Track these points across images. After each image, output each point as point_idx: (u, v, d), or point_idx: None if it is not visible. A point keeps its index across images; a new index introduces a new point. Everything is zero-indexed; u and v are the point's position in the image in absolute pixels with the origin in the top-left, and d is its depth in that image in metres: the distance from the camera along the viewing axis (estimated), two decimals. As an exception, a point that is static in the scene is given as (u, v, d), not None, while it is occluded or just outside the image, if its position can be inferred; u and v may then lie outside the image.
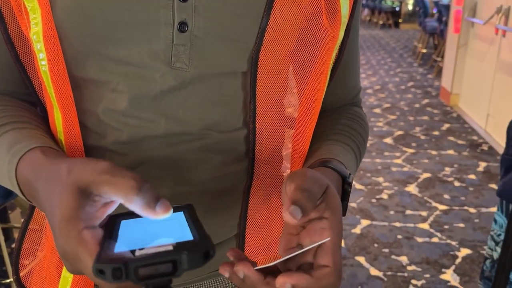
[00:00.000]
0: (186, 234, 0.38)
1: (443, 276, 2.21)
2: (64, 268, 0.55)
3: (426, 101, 5.25)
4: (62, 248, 0.38)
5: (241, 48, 0.50)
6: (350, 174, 0.51)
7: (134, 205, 0.38)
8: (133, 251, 0.35)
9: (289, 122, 0.59)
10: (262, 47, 0.50)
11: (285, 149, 0.61)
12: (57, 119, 0.51)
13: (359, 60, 0.66)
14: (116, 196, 0.38)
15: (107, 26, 0.47)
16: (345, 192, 0.50)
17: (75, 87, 0.51)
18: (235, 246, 0.60)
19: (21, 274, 0.63)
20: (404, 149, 3.83)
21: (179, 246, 0.35)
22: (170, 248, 0.35)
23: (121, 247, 0.36)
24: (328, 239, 0.39)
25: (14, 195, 1.87)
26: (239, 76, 0.52)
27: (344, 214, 0.46)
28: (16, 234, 2.52)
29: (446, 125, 4.40)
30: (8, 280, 1.88)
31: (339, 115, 0.63)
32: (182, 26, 0.48)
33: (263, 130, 0.56)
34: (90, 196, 0.38)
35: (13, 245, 2.41)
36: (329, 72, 0.56)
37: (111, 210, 0.41)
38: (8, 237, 2.45)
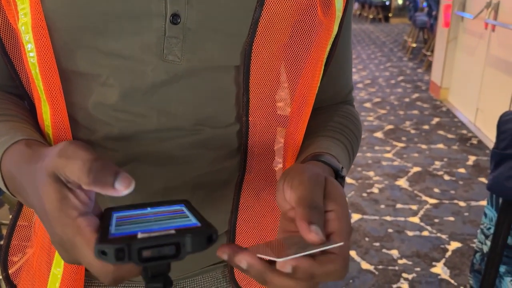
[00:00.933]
0: (187, 221, 0.38)
1: (433, 270, 2.23)
2: (54, 264, 0.54)
3: (416, 95, 5.28)
4: (59, 237, 0.37)
5: (234, 41, 0.49)
6: (342, 167, 0.50)
7: (93, 188, 0.36)
8: (135, 234, 0.34)
9: (282, 117, 0.59)
10: (255, 39, 0.49)
11: (277, 143, 0.61)
12: (45, 112, 0.50)
13: (351, 58, 0.65)
14: (75, 181, 0.36)
15: (97, 17, 0.46)
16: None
17: (64, 80, 0.50)
18: (225, 242, 0.60)
19: (10, 272, 0.62)
20: (395, 143, 3.85)
21: (182, 230, 0.35)
22: (173, 231, 0.35)
23: (122, 231, 0.36)
24: (341, 244, 0.38)
25: (1, 192, 1.84)
26: (232, 70, 0.52)
27: None
28: (4, 231, 2.49)
29: (436, 119, 4.43)
30: (-4, 278, 1.85)
31: (332, 113, 0.62)
32: (175, 18, 0.47)
33: (256, 124, 0.55)
34: (63, 181, 0.37)
35: (1, 242, 2.38)
36: (323, 68, 0.55)
37: (93, 192, 0.39)
38: (-4, 234, 2.41)
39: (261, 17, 0.48)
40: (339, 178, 0.49)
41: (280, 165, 0.62)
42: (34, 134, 0.48)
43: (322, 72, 0.55)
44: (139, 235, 0.34)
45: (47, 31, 0.46)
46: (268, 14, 0.48)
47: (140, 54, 0.48)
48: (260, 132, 0.56)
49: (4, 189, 0.46)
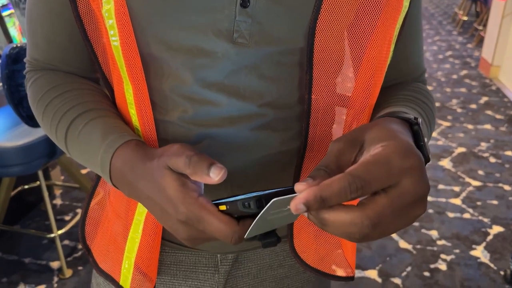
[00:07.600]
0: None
1: (473, 252, 2.21)
2: (132, 230, 0.59)
3: (464, 72, 5.09)
4: (185, 215, 0.44)
5: (300, 23, 0.51)
6: (415, 118, 0.46)
7: (194, 178, 0.44)
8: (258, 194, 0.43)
9: (344, 98, 0.58)
10: (319, 16, 0.50)
11: (336, 124, 0.61)
12: (127, 91, 0.54)
13: (422, 36, 0.64)
14: (183, 172, 0.45)
15: (171, 4, 0.48)
16: (415, 134, 0.46)
17: (142, 64, 0.53)
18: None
19: (86, 236, 0.67)
20: (440, 122, 3.75)
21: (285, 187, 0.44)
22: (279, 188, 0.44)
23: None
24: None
25: (58, 155, 1.94)
26: (297, 52, 0.53)
27: (427, 159, 0.44)
28: (56, 191, 2.64)
29: (484, 98, 4.27)
30: (52, 235, 1.98)
31: (402, 87, 0.61)
32: (245, 2, 0.49)
33: (319, 102, 0.56)
34: (178, 172, 0.45)
35: (54, 201, 2.52)
36: (392, 46, 0.54)
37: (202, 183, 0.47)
38: (49, 194, 2.56)
39: None
40: (415, 126, 0.46)
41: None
42: (133, 133, 0.53)
43: (391, 51, 0.55)
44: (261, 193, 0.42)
45: (128, 16, 0.50)
46: None
47: (212, 38, 0.50)
48: (323, 110, 0.57)
49: (107, 179, 0.52)
